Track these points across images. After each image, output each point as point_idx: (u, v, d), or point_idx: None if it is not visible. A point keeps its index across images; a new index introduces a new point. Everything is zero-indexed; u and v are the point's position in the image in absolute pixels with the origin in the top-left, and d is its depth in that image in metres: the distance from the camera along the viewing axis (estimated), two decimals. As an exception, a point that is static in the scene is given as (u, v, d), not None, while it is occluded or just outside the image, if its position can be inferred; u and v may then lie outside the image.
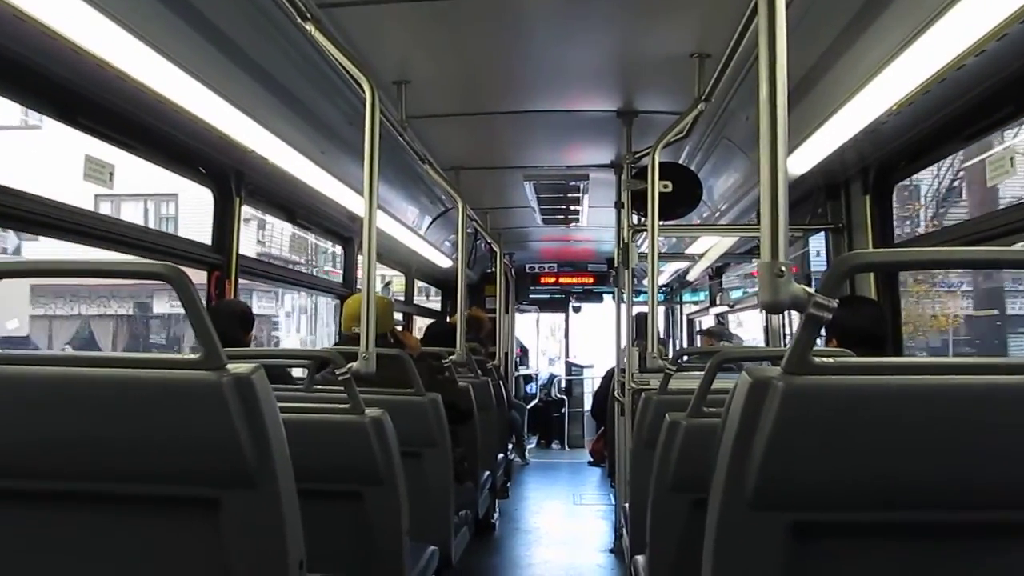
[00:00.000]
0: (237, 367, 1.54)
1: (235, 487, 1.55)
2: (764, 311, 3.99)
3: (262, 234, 18.16)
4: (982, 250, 2.30)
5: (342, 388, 2.53)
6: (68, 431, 1.55)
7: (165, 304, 18.55)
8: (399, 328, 4.82)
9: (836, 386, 1.36)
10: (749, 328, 9.26)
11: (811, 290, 1.33)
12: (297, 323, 21.55)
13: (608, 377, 7.94)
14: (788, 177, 1.44)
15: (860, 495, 1.39)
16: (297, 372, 4.18)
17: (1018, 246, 3.02)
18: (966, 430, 1.36)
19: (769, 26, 1.48)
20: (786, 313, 5.39)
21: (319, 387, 3.16)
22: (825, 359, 1.39)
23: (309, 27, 2.71)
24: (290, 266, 16.95)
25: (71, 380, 1.55)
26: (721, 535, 1.42)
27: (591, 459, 9.82)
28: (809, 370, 1.36)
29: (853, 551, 1.44)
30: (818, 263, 5.07)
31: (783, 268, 1.37)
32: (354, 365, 2.54)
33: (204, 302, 3.98)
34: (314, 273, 18.90)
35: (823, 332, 3.00)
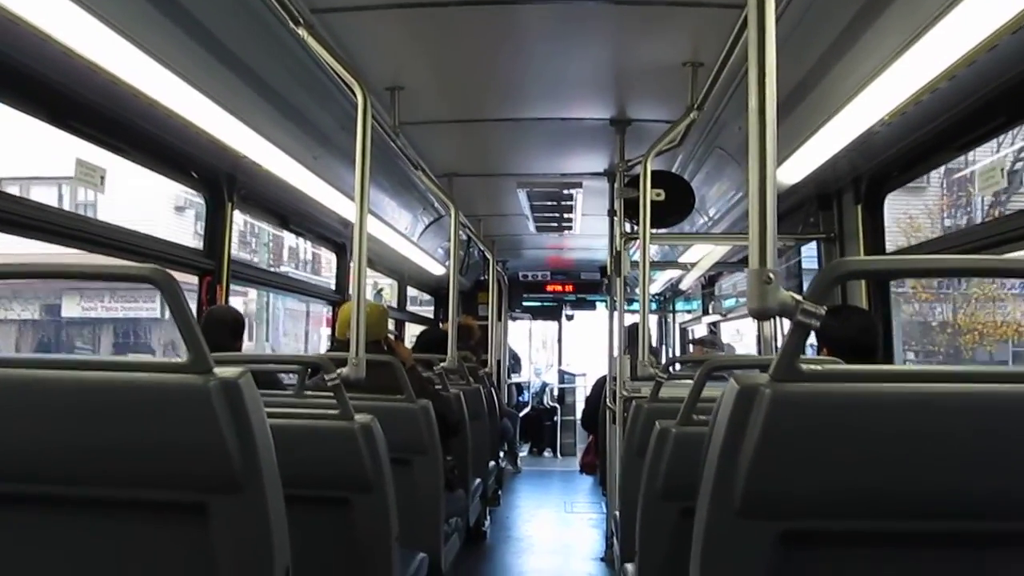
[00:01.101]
0: (224, 371, 1.53)
1: (221, 492, 1.54)
2: (754, 318, 4.01)
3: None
4: (973, 258, 2.31)
5: (332, 394, 2.52)
6: (53, 435, 1.54)
7: (76, 307, 17.48)
8: (392, 337, 4.80)
9: (823, 393, 1.36)
10: (749, 339, 9.26)
11: (799, 297, 1.33)
12: (248, 330, 19.98)
13: (598, 386, 7.92)
14: (778, 186, 1.44)
15: (848, 503, 1.39)
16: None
17: (1019, 254, 3.01)
18: (955, 438, 1.36)
19: (759, 38, 1.48)
20: (780, 323, 5.41)
21: (310, 393, 3.15)
22: (813, 366, 1.38)
23: (302, 32, 2.71)
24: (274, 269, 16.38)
25: (56, 384, 1.54)
26: (708, 544, 1.42)
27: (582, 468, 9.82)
28: (796, 377, 1.36)
29: (842, 560, 1.44)
30: (811, 270, 5.06)
31: (771, 275, 1.37)
32: (343, 371, 2.53)
33: (195, 307, 3.99)
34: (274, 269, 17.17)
35: (815, 342, 3.01)
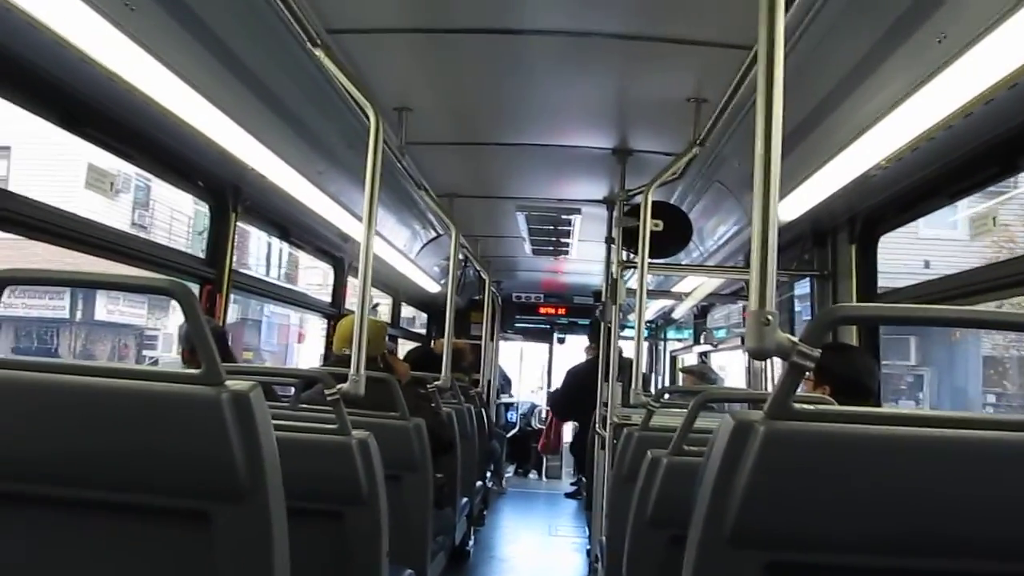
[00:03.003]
0: (235, 384, 1.57)
1: (225, 502, 1.57)
2: (751, 358, 4.06)
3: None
4: (966, 310, 2.36)
5: (327, 408, 2.54)
6: (64, 438, 1.57)
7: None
8: (389, 353, 4.83)
9: (815, 432, 1.41)
10: (732, 371, 9.28)
11: (795, 339, 1.38)
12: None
13: (571, 374, 7.85)
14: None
15: (836, 538, 1.43)
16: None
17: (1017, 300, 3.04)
18: (942, 481, 1.40)
19: (767, 76, 1.53)
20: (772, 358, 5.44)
21: (304, 406, 3.17)
22: (806, 406, 1.43)
23: (318, 52, 2.76)
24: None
25: (70, 388, 1.58)
26: (699, 571, 1.46)
27: (567, 492, 9.82)
28: (790, 416, 1.40)
29: None
30: (804, 295, 5.07)
31: (770, 316, 1.42)
32: (343, 386, 2.56)
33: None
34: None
35: (809, 376, 3.05)
